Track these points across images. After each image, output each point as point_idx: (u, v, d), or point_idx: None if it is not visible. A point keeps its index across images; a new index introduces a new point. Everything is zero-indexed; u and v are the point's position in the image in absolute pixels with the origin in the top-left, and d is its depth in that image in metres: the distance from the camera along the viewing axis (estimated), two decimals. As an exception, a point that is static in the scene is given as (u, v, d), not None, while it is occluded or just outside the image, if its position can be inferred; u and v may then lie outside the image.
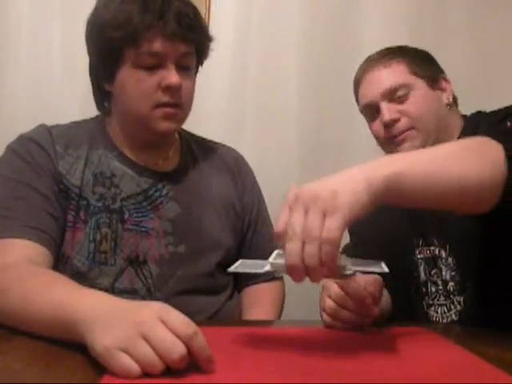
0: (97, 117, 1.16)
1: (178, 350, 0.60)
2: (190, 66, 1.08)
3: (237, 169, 1.23)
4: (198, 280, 1.09)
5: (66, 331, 0.71)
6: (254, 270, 0.73)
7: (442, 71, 1.28)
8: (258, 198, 1.27)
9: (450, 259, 1.16)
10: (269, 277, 1.26)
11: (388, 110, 1.20)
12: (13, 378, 0.60)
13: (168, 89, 1.03)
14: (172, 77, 1.02)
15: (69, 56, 1.71)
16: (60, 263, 1.02)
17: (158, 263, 1.06)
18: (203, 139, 1.25)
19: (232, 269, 0.73)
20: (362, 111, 1.29)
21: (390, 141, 1.23)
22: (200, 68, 1.15)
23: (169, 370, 0.61)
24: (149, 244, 1.07)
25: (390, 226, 1.25)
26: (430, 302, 1.19)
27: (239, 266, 0.74)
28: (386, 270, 0.71)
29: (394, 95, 1.20)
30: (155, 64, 1.02)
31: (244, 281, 1.25)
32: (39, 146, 1.05)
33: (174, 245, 1.08)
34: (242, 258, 1.23)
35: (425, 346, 0.78)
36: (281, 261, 0.72)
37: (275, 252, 0.77)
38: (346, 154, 1.82)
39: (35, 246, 0.96)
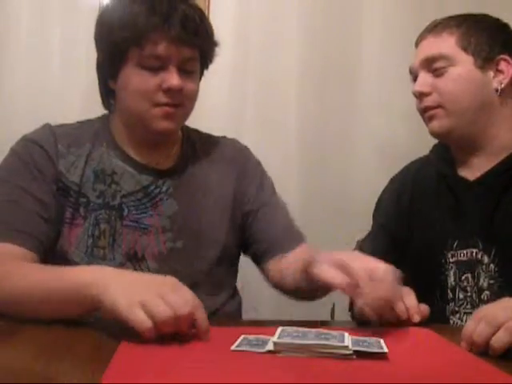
0: (102, 116, 1.17)
1: (187, 308, 0.74)
2: (192, 70, 1.08)
3: (238, 159, 1.21)
4: (196, 276, 1.09)
5: (75, 296, 0.81)
6: (255, 349, 0.72)
7: (506, 49, 1.13)
8: (262, 183, 1.21)
9: (492, 266, 1.09)
10: (295, 243, 1.15)
11: (420, 81, 1.13)
12: (13, 378, 0.61)
13: (168, 91, 1.03)
14: (173, 79, 1.02)
15: (68, 55, 1.71)
16: (58, 258, 1.03)
17: (157, 259, 1.07)
18: (207, 135, 1.24)
19: (234, 347, 0.73)
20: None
21: (422, 114, 1.17)
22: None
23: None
24: (147, 241, 1.07)
25: (425, 223, 1.19)
26: (456, 308, 1.13)
27: (242, 344, 0.74)
28: (385, 349, 0.72)
29: (430, 65, 1.12)
30: (158, 66, 1.03)
31: (267, 253, 1.15)
32: (41, 148, 1.06)
33: (172, 241, 1.09)
34: (252, 241, 1.16)
35: (425, 347, 0.78)
36: (285, 340, 0.72)
37: (279, 329, 0.77)
38: (346, 154, 1.82)
39: (18, 249, 0.98)
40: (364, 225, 1.72)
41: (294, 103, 1.81)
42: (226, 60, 1.76)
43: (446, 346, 0.79)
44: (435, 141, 1.26)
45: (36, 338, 0.76)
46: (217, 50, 1.12)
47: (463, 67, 1.11)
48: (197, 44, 1.05)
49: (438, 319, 1.07)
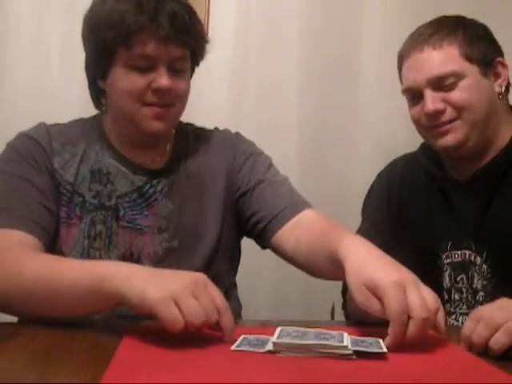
0: (95, 115, 1.16)
1: (216, 315, 0.74)
2: (183, 70, 1.06)
3: (228, 148, 1.19)
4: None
5: (94, 289, 0.78)
6: (255, 349, 0.72)
7: (499, 52, 1.14)
8: (255, 161, 1.18)
9: (484, 267, 1.10)
10: (297, 209, 1.11)
11: (432, 100, 1.09)
12: (12, 378, 0.61)
13: (158, 91, 1.02)
14: (162, 80, 1.01)
15: (68, 56, 1.71)
16: None
17: (152, 260, 1.06)
18: (199, 128, 1.23)
19: (234, 347, 0.73)
20: (403, 92, 1.19)
21: (430, 129, 1.13)
22: (198, 68, 1.15)
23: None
24: (143, 241, 1.07)
25: (417, 223, 1.19)
26: (452, 309, 1.14)
27: (242, 344, 0.74)
28: (385, 349, 0.72)
29: (441, 83, 1.09)
30: (147, 66, 1.02)
31: (270, 228, 1.11)
32: (37, 143, 1.07)
33: (167, 241, 1.08)
34: (253, 222, 1.12)
35: (425, 346, 0.78)
36: (285, 340, 0.72)
37: (279, 329, 0.76)
38: (345, 153, 1.82)
39: (27, 237, 0.96)
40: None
41: (293, 103, 1.80)
42: (226, 60, 1.76)
43: (445, 346, 0.79)
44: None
45: (35, 339, 0.76)
46: (209, 46, 1.10)
47: (472, 78, 1.10)
48: (186, 43, 1.03)
49: None
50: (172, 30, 0.99)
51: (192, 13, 1.05)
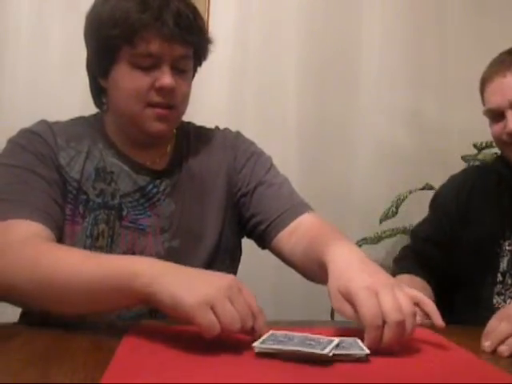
0: (96, 114, 1.16)
1: (251, 321, 0.72)
2: (186, 69, 1.06)
3: (229, 148, 1.18)
4: None
5: (120, 286, 0.76)
6: (281, 347, 0.70)
7: None
8: (256, 162, 1.18)
9: None
10: (295, 214, 1.10)
11: None
12: (13, 378, 0.61)
13: (161, 90, 1.02)
14: (166, 78, 1.01)
15: (68, 54, 1.72)
16: None
17: None
18: (199, 127, 1.22)
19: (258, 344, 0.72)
20: (484, 113, 1.28)
21: (511, 146, 1.23)
22: (199, 68, 1.15)
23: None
24: (145, 242, 1.07)
25: (483, 217, 1.29)
26: (503, 291, 1.22)
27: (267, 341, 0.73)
28: (367, 351, 0.71)
29: None
30: (150, 64, 1.01)
31: (269, 233, 1.11)
32: (41, 138, 1.05)
33: (169, 241, 1.08)
34: (253, 224, 1.13)
35: (427, 347, 0.78)
36: (267, 345, 0.70)
37: (269, 333, 0.75)
38: (345, 154, 1.83)
39: (39, 226, 0.95)
40: (363, 224, 1.71)
41: (293, 104, 1.81)
42: (226, 60, 1.76)
43: (447, 347, 0.79)
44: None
45: (35, 339, 0.76)
46: (211, 46, 1.10)
47: None
48: (190, 41, 1.03)
49: (483, 299, 1.23)
50: (177, 29, 0.99)
51: (196, 13, 1.05)
